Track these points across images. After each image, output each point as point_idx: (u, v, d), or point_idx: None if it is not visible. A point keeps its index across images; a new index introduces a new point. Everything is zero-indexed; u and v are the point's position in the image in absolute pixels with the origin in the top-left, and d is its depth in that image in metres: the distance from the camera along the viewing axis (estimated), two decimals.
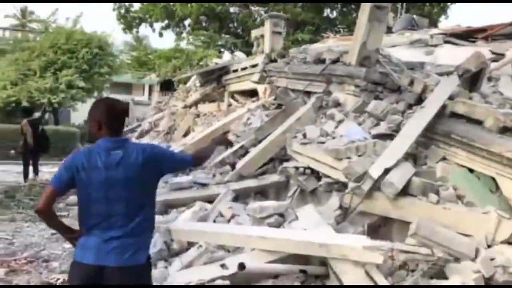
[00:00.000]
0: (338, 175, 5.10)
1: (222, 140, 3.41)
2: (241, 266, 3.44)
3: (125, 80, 27.93)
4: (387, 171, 4.39)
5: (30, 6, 31.70)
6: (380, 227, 4.63)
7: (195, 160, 2.73)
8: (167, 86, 22.99)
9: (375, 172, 4.40)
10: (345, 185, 5.05)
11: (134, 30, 23.43)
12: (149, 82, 28.62)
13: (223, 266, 3.89)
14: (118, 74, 18.92)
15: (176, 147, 10.04)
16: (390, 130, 5.38)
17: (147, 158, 2.39)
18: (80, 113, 17.23)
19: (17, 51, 16.06)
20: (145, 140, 13.52)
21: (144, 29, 28.13)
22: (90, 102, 18.06)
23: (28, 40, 16.45)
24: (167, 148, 3.01)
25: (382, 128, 5.48)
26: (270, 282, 3.90)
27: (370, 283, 3.59)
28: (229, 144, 3.52)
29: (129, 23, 22.24)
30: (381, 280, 3.55)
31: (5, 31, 21.06)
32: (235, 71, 11.34)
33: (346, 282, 3.64)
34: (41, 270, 4.17)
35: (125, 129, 18.10)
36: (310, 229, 4.17)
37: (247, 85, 10.43)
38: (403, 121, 5.39)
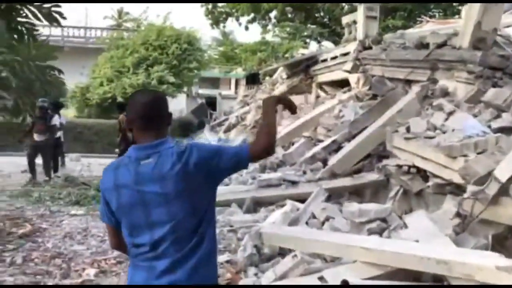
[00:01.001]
0: (451, 176, 4.42)
1: (277, 100, 2.10)
2: (345, 283, 2.97)
3: (213, 75, 28.36)
4: None
5: (126, 7, 33.44)
6: (507, 239, 3.89)
7: (255, 148, 1.84)
8: (253, 80, 22.90)
9: (503, 173, 3.68)
10: (459, 187, 4.36)
11: (221, 25, 23.57)
12: (235, 76, 28.81)
13: (321, 279, 3.44)
14: (206, 69, 19.12)
15: None
16: None
17: (187, 164, 1.76)
18: (170, 107, 17.59)
19: (112, 49, 16.79)
20: (232, 134, 13.43)
21: (230, 24, 28.39)
22: (180, 97, 18.53)
23: (122, 38, 17.10)
24: (216, 144, 2.25)
25: (506, 120, 4.67)
26: None
27: None
28: (291, 107, 2.18)
29: (216, 19, 22.41)
30: None
31: (103, 31, 22.31)
32: (324, 61, 10.76)
33: None
34: None
35: (212, 123, 18.40)
36: (423, 240, 3.56)
37: (337, 75, 9.83)
38: None
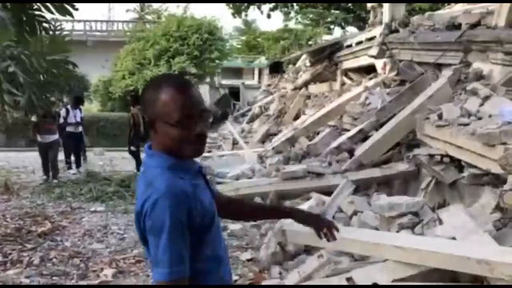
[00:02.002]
0: (489, 165, 4.08)
1: None
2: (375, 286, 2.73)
3: (236, 65, 28.12)
4: None
5: None
6: None
7: None
8: (276, 69, 22.58)
9: None
10: (498, 178, 4.03)
11: (243, 14, 23.25)
12: (258, 65, 28.48)
13: (349, 280, 3.20)
14: (228, 59, 18.88)
15: (287, 131, 9.51)
16: None
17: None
18: None
19: (133, 42, 16.73)
20: (256, 125, 13.22)
21: (252, 12, 27.98)
22: (202, 88, 18.38)
23: (143, 30, 17.02)
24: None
25: None
26: None
27: None
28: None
29: (237, 8, 22.12)
30: None
31: (124, 24, 22.33)
32: (349, 46, 10.39)
33: None
34: (148, 272, 3.86)
35: (235, 113, 18.18)
36: (461, 237, 3.27)
37: (363, 61, 9.46)
38: None
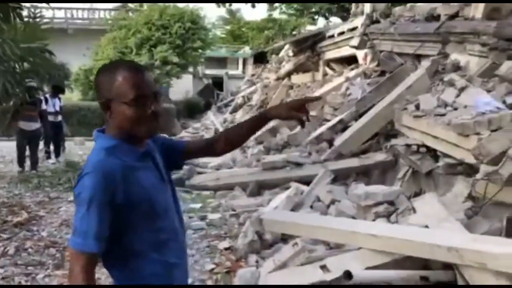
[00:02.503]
0: (463, 155, 4.15)
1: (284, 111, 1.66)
2: (348, 275, 2.76)
3: (220, 55, 27.94)
4: None
5: None
6: None
7: None
8: (260, 58, 22.51)
9: None
10: (471, 167, 4.11)
11: (227, 3, 23.06)
12: (242, 55, 28.35)
13: (323, 268, 3.23)
14: (211, 48, 18.75)
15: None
16: None
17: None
18: (175, 89, 17.40)
19: (115, 30, 16.47)
20: (239, 115, 13.20)
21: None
22: (185, 77, 18.23)
23: (124, 19, 16.77)
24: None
25: None
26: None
27: None
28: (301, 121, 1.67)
29: None
30: None
31: (106, 12, 21.95)
32: (331, 37, 10.41)
33: None
34: None
35: (219, 103, 18.08)
36: (433, 225, 3.33)
37: (344, 52, 9.49)
38: None
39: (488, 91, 4.79)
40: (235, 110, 14.57)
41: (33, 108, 7.85)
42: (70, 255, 1.38)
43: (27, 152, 8.01)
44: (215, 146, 1.73)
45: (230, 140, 1.74)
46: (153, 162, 1.53)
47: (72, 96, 16.01)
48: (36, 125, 7.96)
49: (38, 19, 5.85)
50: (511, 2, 5.43)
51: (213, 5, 11.58)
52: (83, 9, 23.15)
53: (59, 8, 21.87)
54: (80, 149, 10.78)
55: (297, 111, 1.66)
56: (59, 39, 16.26)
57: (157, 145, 1.61)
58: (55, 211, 5.47)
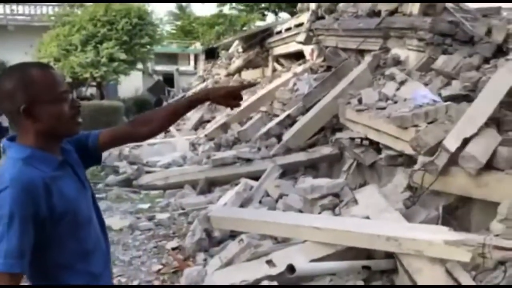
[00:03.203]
0: (403, 147, 4.32)
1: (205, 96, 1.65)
2: (291, 269, 2.81)
3: (170, 50, 27.53)
4: (466, 141, 3.56)
5: None
6: (457, 209, 3.83)
7: None
8: (212, 54, 22.38)
9: (452, 143, 3.58)
10: (411, 158, 4.27)
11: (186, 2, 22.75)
12: (194, 51, 28.06)
13: (269, 263, 3.27)
14: (160, 44, 18.44)
15: (220, 117, 9.48)
16: (466, 90, 4.48)
17: None
18: (124, 86, 17.01)
19: (58, 26, 15.86)
20: (191, 112, 13.07)
21: None
22: (134, 74, 17.84)
23: (68, 15, 16.17)
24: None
25: (455, 88, 4.58)
26: (327, 279, 3.27)
27: (452, 283, 2.86)
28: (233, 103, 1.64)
29: None
30: (467, 280, 2.82)
31: (49, 7, 21.05)
32: (279, 32, 10.51)
33: (421, 281, 2.93)
34: None
35: (170, 100, 17.84)
36: (374, 216, 3.44)
37: (292, 47, 9.62)
38: (481, 78, 4.46)
39: (426, 84, 5.00)
40: None
41: None
42: None
43: None
44: (135, 129, 1.60)
45: (150, 120, 1.60)
46: (72, 170, 1.44)
47: None
48: None
49: None
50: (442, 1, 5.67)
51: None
52: (24, 4, 22.11)
53: None
54: None
55: (234, 98, 1.63)
56: None
57: (72, 144, 1.51)
58: None
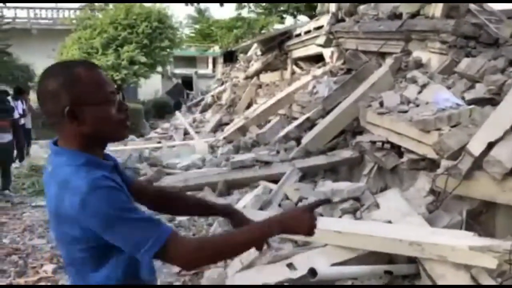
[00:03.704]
0: (425, 151, 4.26)
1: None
2: (312, 272, 2.79)
3: (189, 54, 27.78)
4: (491, 145, 3.50)
5: None
6: (481, 214, 3.77)
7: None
8: (230, 57, 22.49)
9: (476, 147, 3.52)
10: (433, 162, 4.22)
11: (195, 2, 22.89)
12: (212, 54, 28.27)
13: (290, 266, 3.26)
14: (179, 48, 18.60)
15: (238, 121, 9.50)
16: (490, 93, 4.40)
17: (58, 206, 1.22)
18: (144, 89, 17.18)
19: (80, 30, 16.14)
20: (208, 114, 13.14)
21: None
22: (153, 77, 18.03)
23: (89, 18, 16.45)
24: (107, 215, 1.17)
25: (479, 91, 4.50)
26: (349, 283, 3.24)
27: None
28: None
29: None
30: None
31: (71, 11, 21.46)
32: (298, 35, 10.49)
33: None
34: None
35: (188, 103, 17.97)
36: (397, 220, 3.40)
37: (311, 50, 9.59)
38: (506, 82, 4.37)
39: (448, 87, 4.93)
40: (204, 110, 14.49)
41: (4, 115, 6.44)
42: (167, 253, 1.18)
43: None
44: (157, 200, 1.57)
45: (173, 207, 1.61)
46: (120, 176, 1.37)
47: (36, 98, 15.60)
48: (7, 137, 6.46)
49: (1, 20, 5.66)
50: (467, 2, 5.59)
51: (181, 4, 11.47)
52: (47, 8, 22.57)
53: (22, 8, 21.27)
54: (45, 152, 10.51)
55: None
56: (22, 40, 15.84)
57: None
58: (18, 217, 5.32)
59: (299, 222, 1.39)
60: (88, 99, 1.23)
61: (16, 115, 6.47)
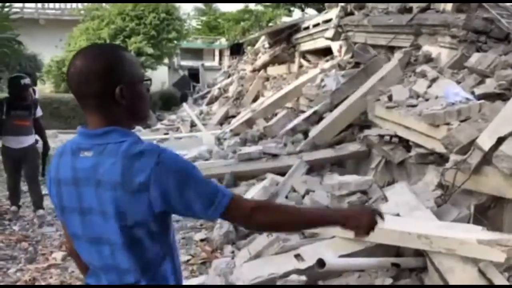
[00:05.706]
0: (434, 145, 4.26)
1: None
2: (320, 263, 2.81)
3: (196, 46, 27.72)
4: (500, 140, 3.49)
5: None
6: (489, 209, 3.77)
7: (241, 213, 1.26)
8: (237, 50, 22.43)
9: (486, 141, 3.51)
10: (442, 157, 4.22)
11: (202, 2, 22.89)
12: (219, 46, 28.20)
13: (297, 257, 3.29)
14: (186, 39, 18.55)
15: (245, 113, 9.51)
16: (500, 88, 4.37)
17: (131, 181, 1.19)
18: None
19: (87, 21, 16.14)
20: (215, 107, 13.16)
21: None
22: (160, 69, 18.02)
23: (97, 9, 16.44)
24: (190, 166, 1.26)
25: (489, 86, 4.48)
26: (356, 275, 3.27)
27: (485, 283, 2.82)
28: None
29: None
30: (501, 281, 2.77)
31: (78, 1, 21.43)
32: (306, 28, 10.45)
33: (453, 281, 2.90)
34: None
35: (195, 95, 17.96)
36: (405, 214, 3.41)
37: (319, 43, 9.55)
38: None
39: (458, 82, 4.91)
40: (211, 102, 14.51)
41: (25, 114, 5.05)
42: (233, 210, 1.22)
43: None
44: None
45: None
46: None
47: (44, 88, 15.64)
48: (29, 140, 5.16)
49: (7, 9, 5.69)
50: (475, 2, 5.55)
51: None
52: None
53: None
54: (53, 142, 10.55)
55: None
56: (30, 30, 15.83)
57: None
58: (27, 205, 5.36)
59: (361, 222, 1.45)
60: (134, 78, 1.28)
61: (38, 112, 5.20)
